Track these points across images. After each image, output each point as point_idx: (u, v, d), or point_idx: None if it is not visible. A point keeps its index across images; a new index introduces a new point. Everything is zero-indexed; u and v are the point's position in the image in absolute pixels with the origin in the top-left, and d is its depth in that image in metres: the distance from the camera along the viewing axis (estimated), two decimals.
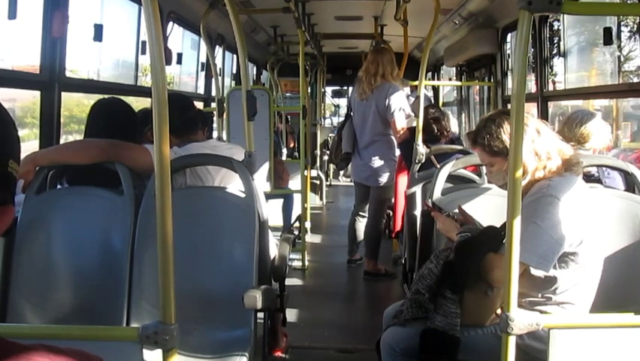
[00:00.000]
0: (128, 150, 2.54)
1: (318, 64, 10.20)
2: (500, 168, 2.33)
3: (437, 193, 3.01)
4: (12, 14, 2.74)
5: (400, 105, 5.15)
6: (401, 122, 5.18)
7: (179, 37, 5.81)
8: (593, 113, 3.27)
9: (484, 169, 3.23)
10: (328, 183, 10.93)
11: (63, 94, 3.11)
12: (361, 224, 5.60)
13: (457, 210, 2.65)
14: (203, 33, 4.97)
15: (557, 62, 5.80)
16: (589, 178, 2.87)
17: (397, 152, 5.27)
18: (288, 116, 9.38)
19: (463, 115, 7.96)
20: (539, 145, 2.26)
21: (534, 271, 2.17)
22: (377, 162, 5.32)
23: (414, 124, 4.73)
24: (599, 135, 3.12)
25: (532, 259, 2.12)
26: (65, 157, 2.50)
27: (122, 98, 3.12)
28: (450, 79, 8.78)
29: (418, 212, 3.62)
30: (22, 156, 0.95)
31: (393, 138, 5.28)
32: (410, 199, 3.87)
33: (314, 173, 8.79)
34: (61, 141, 3.15)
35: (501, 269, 1.93)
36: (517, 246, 1.75)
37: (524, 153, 2.14)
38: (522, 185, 2.12)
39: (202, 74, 6.16)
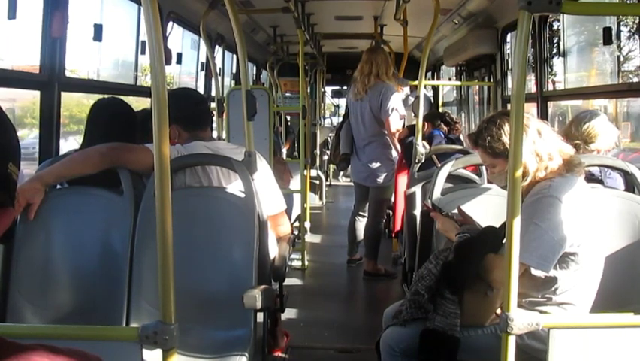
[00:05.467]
0: (129, 152, 2.53)
1: (318, 64, 10.20)
2: (502, 170, 2.31)
3: (437, 193, 3.01)
4: (12, 14, 2.73)
5: (394, 105, 5.14)
6: (395, 124, 5.18)
7: (178, 37, 5.81)
8: (601, 114, 3.26)
9: (484, 169, 3.23)
10: (328, 182, 10.94)
11: (63, 94, 3.10)
12: (361, 224, 5.60)
13: (456, 211, 2.65)
14: (203, 33, 4.97)
15: (557, 62, 5.79)
16: (591, 178, 2.87)
17: (394, 152, 5.27)
18: (288, 117, 9.37)
19: (463, 115, 7.96)
20: (540, 146, 2.26)
21: (534, 272, 2.17)
22: (375, 163, 5.32)
23: (413, 122, 4.74)
24: (605, 136, 3.10)
25: (532, 260, 2.12)
26: (70, 171, 2.49)
27: (122, 98, 3.12)
28: (450, 79, 8.78)
29: (417, 212, 3.62)
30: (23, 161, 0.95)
31: (389, 138, 5.29)
32: (410, 199, 3.86)
33: (314, 173, 8.79)
34: (61, 141, 3.15)
35: (501, 269, 1.93)
36: (517, 246, 1.75)
37: (525, 154, 2.14)
38: (523, 185, 2.12)
39: (202, 74, 6.16)
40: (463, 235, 2.38)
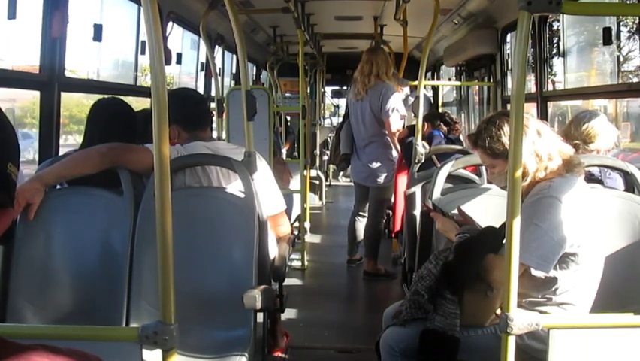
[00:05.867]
0: (129, 152, 2.53)
1: (318, 64, 10.21)
2: (502, 170, 2.31)
3: (437, 193, 3.01)
4: (12, 14, 2.73)
5: (394, 105, 5.15)
6: (396, 124, 5.19)
7: (178, 37, 5.81)
8: (600, 114, 3.26)
9: (483, 169, 3.23)
10: (328, 183, 10.93)
11: (62, 94, 3.11)
12: (361, 224, 5.60)
13: (456, 211, 2.65)
14: (203, 33, 4.97)
15: (557, 62, 5.80)
16: (590, 179, 2.87)
17: (395, 152, 5.28)
18: (287, 117, 9.38)
19: (463, 115, 7.96)
20: (540, 146, 2.26)
21: (534, 272, 2.17)
22: (375, 163, 5.32)
23: (413, 122, 4.74)
24: (605, 136, 3.11)
25: (532, 260, 2.12)
26: (70, 171, 2.48)
27: (122, 98, 3.12)
28: (449, 79, 8.78)
29: (417, 212, 3.62)
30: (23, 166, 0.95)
31: (389, 138, 5.29)
32: (410, 199, 3.86)
33: (313, 173, 8.79)
34: (61, 141, 3.15)
35: (501, 270, 1.93)
36: (517, 246, 1.75)
37: (525, 154, 2.14)
38: (523, 186, 2.12)
39: (201, 74, 6.16)
40: (463, 236, 2.38)
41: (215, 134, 5.02)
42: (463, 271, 2.30)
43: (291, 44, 8.47)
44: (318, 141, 10.42)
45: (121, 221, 2.49)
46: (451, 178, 3.16)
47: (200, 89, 6.20)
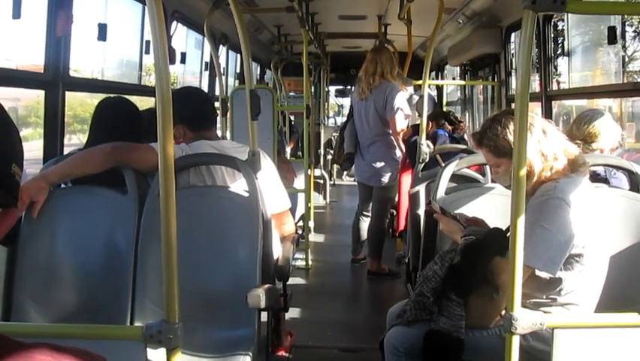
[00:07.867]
0: (133, 151, 2.52)
1: (322, 63, 10.21)
2: (507, 169, 2.30)
3: (441, 193, 3.01)
4: (16, 14, 2.74)
5: (399, 105, 5.14)
6: (400, 123, 5.18)
7: (182, 37, 5.81)
8: (603, 112, 3.24)
9: (488, 168, 3.23)
10: (332, 182, 10.93)
11: (67, 93, 3.11)
12: (365, 224, 5.60)
13: (458, 211, 2.64)
14: (207, 32, 4.97)
15: (561, 62, 5.78)
16: (595, 178, 2.86)
17: (399, 152, 5.27)
18: (291, 116, 9.38)
19: (467, 114, 7.95)
20: (545, 146, 2.25)
21: (539, 273, 2.16)
22: (379, 162, 5.32)
23: (417, 121, 4.73)
24: (607, 135, 3.09)
25: (540, 263, 2.11)
26: (74, 170, 2.48)
27: (127, 97, 3.12)
28: (454, 78, 8.77)
29: (421, 211, 3.62)
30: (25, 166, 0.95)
31: (393, 137, 5.29)
32: (414, 198, 3.86)
33: (317, 172, 8.79)
34: (65, 141, 3.16)
35: (509, 273, 1.92)
36: (522, 246, 1.75)
37: (530, 153, 2.13)
38: (527, 186, 2.11)
39: (206, 74, 6.16)
40: (469, 238, 2.36)
41: (219, 134, 5.02)
42: (471, 273, 2.29)
43: (295, 44, 8.47)
44: (322, 141, 10.42)
45: (125, 220, 2.49)
46: (455, 177, 3.16)
47: (205, 89, 6.19)
